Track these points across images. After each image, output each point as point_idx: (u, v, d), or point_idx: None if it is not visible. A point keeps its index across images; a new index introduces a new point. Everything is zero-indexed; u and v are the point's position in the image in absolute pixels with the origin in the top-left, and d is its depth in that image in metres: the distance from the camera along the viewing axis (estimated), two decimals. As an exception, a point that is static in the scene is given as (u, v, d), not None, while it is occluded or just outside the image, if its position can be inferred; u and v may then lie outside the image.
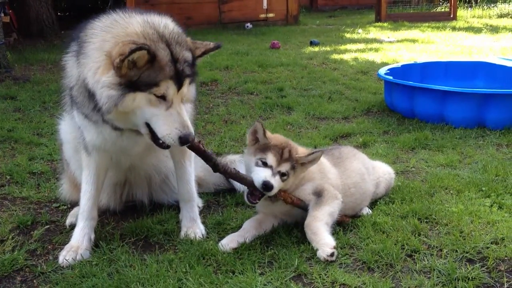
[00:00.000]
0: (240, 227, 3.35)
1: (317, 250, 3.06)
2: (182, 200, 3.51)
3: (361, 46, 11.85)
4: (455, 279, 2.80)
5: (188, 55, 2.78)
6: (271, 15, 16.98)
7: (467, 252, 3.07)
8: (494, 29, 15.02)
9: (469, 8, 19.60)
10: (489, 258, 3.00)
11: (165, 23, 2.82)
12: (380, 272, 2.94)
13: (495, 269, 2.92)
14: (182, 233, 3.38)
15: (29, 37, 12.68)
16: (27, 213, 3.74)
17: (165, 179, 3.79)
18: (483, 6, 19.73)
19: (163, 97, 2.71)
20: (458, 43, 12.36)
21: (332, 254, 3.00)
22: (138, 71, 2.63)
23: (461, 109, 5.54)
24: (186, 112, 2.86)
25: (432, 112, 5.72)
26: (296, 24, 16.96)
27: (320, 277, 2.87)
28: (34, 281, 2.94)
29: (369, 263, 3.00)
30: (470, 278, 2.81)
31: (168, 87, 2.69)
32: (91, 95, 2.77)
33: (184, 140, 2.75)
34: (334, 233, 3.30)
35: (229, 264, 2.98)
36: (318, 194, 3.29)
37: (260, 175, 3.11)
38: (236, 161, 4.16)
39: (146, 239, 3.39)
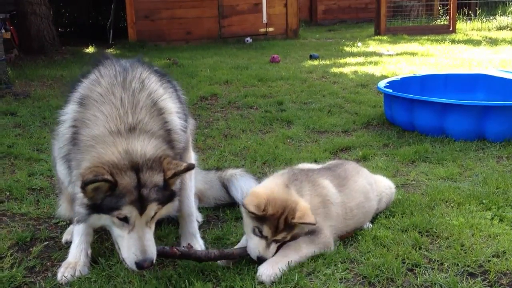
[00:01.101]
0: (239, 242, 3.33)
1: (261, 268, 2.99)
2: (182, 215, 3.50)
3: (361, 59, 11.89)
4: (457, 293, 2.78)
5: (159, 179, 2.79)
6: (270, 29, 17.07)
7: (468, 266, 3.05)
8: (494, 42, 15.06)
9: (468, 21, 19.67)
10: (490, 271, 2.98)
11: (144, 152, 2.79)
12: (381, 287, 2.91)
13: (497, 282, 2.90)
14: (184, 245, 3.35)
15: (29, 53, 12.74)
16: (26, 230, 3.72)
17: None
18: (482, 19, 19.80)
19: (125, 220, 2.77)
20: (458, 56, 12.39)
21: (262, 282, 2.93)
22: (102, 195, 2.71)
23: (461, 121, 5.54)
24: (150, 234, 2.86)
25: (432, 124, 5.71)
26: (295, 38, 17.04)
27: (320, 292, 2.85)
28: (33, 298, 2.92)
29: (369, 277, 2.98)
30: (472, 292, 2.79)
31: (130, 211, 2.74)
32: None
33: (139, 266, 2.78)
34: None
35: (229, 280, 2.96)
36: (312, 232, 3.23)
37: (255, 248, 3.08)
38: (237, 175, 4.16)
39: (145, 255, 3.36)
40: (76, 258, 3.20)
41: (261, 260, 3.05)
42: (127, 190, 2.69)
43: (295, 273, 2.98)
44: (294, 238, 3.21)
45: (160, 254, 2.93)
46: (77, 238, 3.27)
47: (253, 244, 3.09)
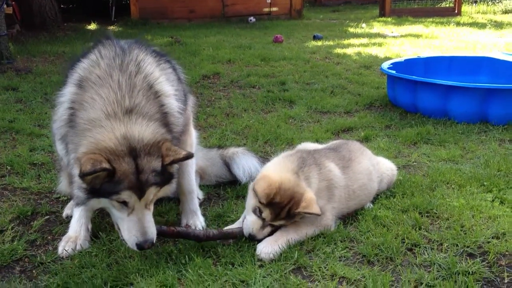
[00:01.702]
0: (239, 219, 3.34)
1: (260, 246, 3.01)
2: (182, 192, 3.51)
3: (365, 40, 11.82)
4: (456, 273, 2.79)
5: (157, 165, 2.79)
6: (274, 9, 16.96)
7: (467, 247, 3.06)
8: (499, 25, 14.95)
9: (474, 4, 19.52)
10: (490, 252, 2.99)
11: (142, 137, 2.78)
12: (380, 266, 2.92)
13: (496, 263, 2.90)
14: (182, 225, 3.37)
15: (31, 29, 12.67)
16: (27, 204, 3.73)
17: None
18: (487, 2, 19.65)
19: (125, 203, 2.78)
20: (462, 39, 12.31)
21: (261, 260, 2.94)
22: (100, 181, 2.71)
23: (464, 104, 5.52)
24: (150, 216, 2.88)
25: (435, 106, 5.69)
26: (299, 18, 16.93)
27: (319, 270, 2.86)
28: (33, 271, 2.94)
29: (369, 256, 2.99)
30: (471, 273, 2.80)
31: (129, 196, 2.75)
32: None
33: (140, 247, 2.81)
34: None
35: (229, 256, 2.98)
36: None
37: (250, 226, 3.11)
38: (239, 153, 4.16)
39: (146, 231, 3.37)
40: (76, 232, 3.21)
41: (252, 238, 3.08)
42: (125, 175, 2.70)
43: (295, 251, 3.00)
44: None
45: (159, 233, 2.94)
46: (77, 212, 3.28)
47: (250, 222, 3.11)
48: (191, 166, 3.53)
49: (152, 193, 2.81)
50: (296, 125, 5.71)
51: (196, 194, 3.58)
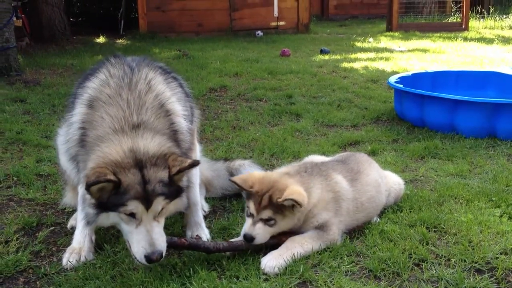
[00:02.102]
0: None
1: (265, 260, 2.99)
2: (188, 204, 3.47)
3: (372, 55, 11.82)
4: (463, 289, 2.75)
5: (163, 175, 2.81)
6: (282, 23, 17.02)
7: (475, 262, 3.02)
8: (506, 40, 14.93)
9: (481, 19, 19.51)
10: (498, 268, 2.95)
11: (147, 150, 2.82)
12: (386, 281, 2.89)
13: (504, 279, 2.87)
14: (187, 237, 3.35)
15: (40, 41, 12.78)
16: (33, 215, 3.73)
17: None
18: (495, 17, 19.64)
19: (133, 215, 2.79)
20: (470, 54, 12.29)
21: (266, 273, 2.91)
22: (107, 194, 2.74)
23: (472, 118, 5.48)
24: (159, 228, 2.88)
25: (442, 121, 5.66)
26: (306, 33, 16.97)
27: (325, 284, 2.83)
28: (37, 282, 2.93)
29: (375, 271, 2.96)
30: (479, 289, 2.76)
31: (136, 206, 2.75)
32: None
33: (148, 259, 2.79)
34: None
35: (234, 270, 2.95)
36: (321, 228, 3.22)
37: (244, 227, 3.14)
38: (246, 165, 4.15)
39: (151, 243, 3.36)
40: (80, 244, 3.20)
41: (247, 238, 3.07)
42: (131, 186, 2.71)
43: (300, 265, 2.97)
44: (307, 220, 3.21)
45: (168, 245, 2.91)
46: (81, 223, 3.27)
47: (244, 225, 3.14)
48: (195, 177, 3.51)
49: (160, 204, 2.80)
50: (302, 138, 5.69)
51: (200, 206, 3.57)
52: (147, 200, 2.75)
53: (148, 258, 2.75)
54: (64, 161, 3.50)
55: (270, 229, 3.12)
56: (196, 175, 3.52)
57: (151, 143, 2.84)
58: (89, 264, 3.05)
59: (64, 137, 3.32)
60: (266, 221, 3.09)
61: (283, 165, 3.78)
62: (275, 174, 3.27)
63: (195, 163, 2.89)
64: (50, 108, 6.76)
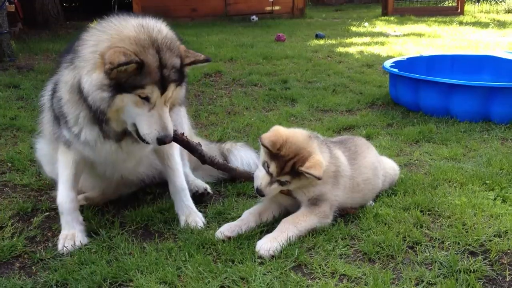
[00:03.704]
0: (240, 217, 3.32)
1: (260, 243, 3.00)
2: (175, 190, 3.47)
3: (367, 39, 11.79)
4: (457, 271, 2.77)
5: (176, 62, 2.89)
6: (277, 8, 16.93)
7: (469, 245, 3.04)
8: (502, 24, 14.91)
9: (477, 3, 19.48)
10: (491, 251, 2.97)
11: (159, 28, 2.92)
12: (381, 263, 2.91)
13: (498, 262, 2.88)
14: (182, 222, 3.35)
15: (34, 27, 12.67)
16: (27, 200, 3.73)
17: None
18: (490, 1, 19.61)
19: (147, 99, 2.83)
20: (465, 38, 12.28)
21: (261, 257, 2.93)
22: (127, 75, 2.75)
23: (466, 102, 5.48)
24: (172, 114, 3.01)
25: (437, 105, 5.66)
26: (302, 17, 16.91)
27: (320, 267, 2.85)
28: (33, 267, 2.93)
29: (370, 254, 2.98)
30: (472, 271, 2.78)
31: (152, 91, 2.81)
32: (84, 99, 2.86)
33: (161, 141, 2.89)
34: (334, 224, 3.28)
35: (229, 254, 2.96)
36: (315, 201, 3.24)
37: (258, 179, 3.16)
38: (238, 146, 4.19)
39: (146, 228, 3.37)
40: (71, 229, 3.19)
41: (259, 192, 3.14)
42: (152, 69, 2.77)
43: (295, 248, 2.98)
44: (296, 203, 3.26)
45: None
46: (65, 206, 3.23)
47: (259, 176, 3.16)
48: (179, 163, 3.52)
49: (172, 90, 2.88)
50: (297, 123, 5.69)
51: (187, 191, 3.52)
52: (163, 85, 2.82)
53: (161, 140, 2.86)
54: (48, 169, 3.50)
55: (282, 187, 3.18)
56: (179, 162, 3.52)
57: (160, 24, 2.93)
58: (84, 249, 3.05)
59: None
60: (282, 182, 3.14)
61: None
62: (301, 137, 3.19)
63: (208, 59, 3.05)
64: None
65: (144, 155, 3.42)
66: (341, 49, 10.34)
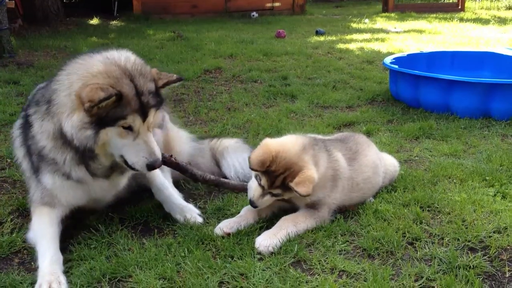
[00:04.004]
0: (239, 213, 3.32)
1: (259, 239, 2.99)
2: (157, 189, 3.45)
3: (367, 36, 11.77)
4: (456, 267, 2.77)
5: (152, 86, 2.92)
6: (277, 4, 16.91)
7: (469, 241, 3.04)
8: (502, 21, 14.89)
9: (477, 0, 19.41)
10: (491, 247, 2.96)
11: (126, 57, 2.92)
12: (380, 259, 2.91)
13: (497, 258, 2.88)
14: (181, 220, 3.33)
15: (34, 23, 12.64)
16: (27, 196, 3.71)
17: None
18: (491, -2, 19.56)
19: (130, 128, 2.84)
20: (466, 34, 12.26)
21: (260, 253, 2.93)
22: (107, 109, 2.75)
23: (467, 99, 5.48)
24: (153, 138, 2.99)
25: (437, 101, 5.66)
26: (302, 14, 16.88)
27: (319, 263, 2.85)
28: (32, 263, 2.92)
29: (369, 250, 2.97)
30: (472, 267, 2.78)
31: (134, 119, 2.82)
32: (68, 142, 2.85)
33: (150, 167, 2.92)
34: (334, 220, 3.28)
35: (228, 249, 2.96)
36: (313, 206, 3.24)
37: (250, 192, 3.17)
38: (230, 149, 4.06)
39: (146, 223, 3.37)
40: (53, 274, 2.71)
41: (252, 204, 3.15)
42: (130, 99, 2.78)
43: (295, 244, 2.98)
44: (294, 205, 3.27)
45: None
46: (44, 245, 2.90)
47: (252, 188, 3.17)
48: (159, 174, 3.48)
49: (153, 116, 2.91)
50: (297, 119, 5.68)
51: (169, 187, 3.51)
52: (143, 113, 2.83)
53: (150, 166, 2.89)
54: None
55: (275, 198, 3.19)
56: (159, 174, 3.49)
57: (124, 53, 2.93)
58: (83, 245, 3.05)
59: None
60: (274, 195, 3.15)
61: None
62: (292, 151, 3.13)
63: (181, 78, 3.09)
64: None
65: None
66: (341, 46, 10.33)
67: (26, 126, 3.10)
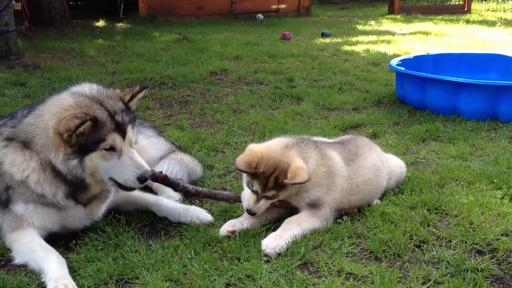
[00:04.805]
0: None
1: (265, 241, 2.99)
2: (155, 205, 3.46)
3: (373, 38, 11.75)
4: (464, 270, 2.76)
5: (121, 105, 3.06)
6: (282, 6, 16.89)
7: (476, 244, 3.03)
8: (509, 23, 14.84)
9: (484, 2, 19.36)
10: (499, 249, 2.95)
11: (89, 87, 3.08)
12: (387, 262, 2.90)
13: (505, 260, 2.87)
14: (189, 219, 3.33)
15: (40, 25, 12.68)
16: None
17: None
18: (497, 0, 19.48)
19: (112, 149, 2.93)
20: (472, 36, 12.22)
21: (266, 255, 2.93)
22: (85, 136, 2.86)
23: (473, 101, 5.46)
24: (137, 153, 3.07)
25: (444, 104, 5.64)
26: (307, 16, 16.87)
27: (326, 265, 2.84)
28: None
29: (376, 252, 2.97)
30: (479, 270, 2.77)
31: (114, 138, 2.92)
32: (60, 174, 2.94)
33: (142, 179, 2.98)
34: (341, 222, 3.27)
35: (235, 251, 2.96)
36: (314, 205, 3.25)
37: (245, 200, 3.20)
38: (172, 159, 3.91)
39: (152, 225, 3.37)
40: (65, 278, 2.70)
41: (250, 212, 3.17)
42: (104, 120, 2.89)
43: (301, 246, 2.98)
44: (293, 208, 3.28)
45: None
46: (41, 252, 2.90)
47: (245, 197, 3.20)
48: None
49: (131, 133, 3.02)
50: (303, 121, 5.68)
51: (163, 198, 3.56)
52: (121, 130, 2.94)
53: (141, 178, 2.95)
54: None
55: (271, 201, 3.20)
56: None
57: (85, 85, 3.08)
58: (90, 246, 3.05)
59: None
60: (269, 197, 3.16)
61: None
62: (276, 150, 3.19)
63: (144, 86, 3.22)
64: (50, 91, 6.72)
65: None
66: (347, 48, 10.31)
67: None
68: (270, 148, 3.21)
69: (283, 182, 3.07)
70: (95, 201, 3.19)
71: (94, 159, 2.91)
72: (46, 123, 2.92)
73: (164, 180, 3.30)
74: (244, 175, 3.20)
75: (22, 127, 3.03)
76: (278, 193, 3.15)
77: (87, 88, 3.05)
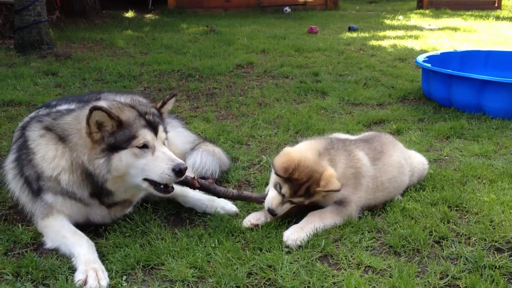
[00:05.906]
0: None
1: (287, 233, 3.07)
2: (181, 196, 3.54)
3: (401, 33, 11.68)
4: (482, 267, 2.80)
5: (153, 110, 3.18)
6: (310, -1, 16.86)
7: (496, 241, 3.06)
8: (540, 20, 14.55)
9: (515, -3, 19.02)
10: (518, 248, 2.98)
11: (125, 97, 3.32)
12: (406, 257, 2.95)
13: (524, 259, 2.90)
14: (220, 211, 3.43)
15: (71, 15, 12.93)
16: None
17: None
18: (530, -4, 19.12)
19: (145, 146, 2.99)
20: (501, 33, 12.04)
21: (288, 246, 3.00)
22: (112, 135, 2.96)
23: (500, 99, 5.44)
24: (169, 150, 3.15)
25: (470, 101, 5.62)
26: (335, 9, 16.81)
27: (346, 258, 2.91)
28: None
29: (396, 247, 3.02)
30: (497, 267, 2.81)
31: (145, 134, 2.99)
32: (88, 177, 3.04)
33: (178, 171, 2.99)
34: (361, 216, 3.33)
35: (257, 242, 3.05)
36: (340, 203, 3.30)
37: (269, 200, 3.24)
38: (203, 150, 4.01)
39: (178, 214, 3.48)
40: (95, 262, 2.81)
41: (271, 212, 3.22)
42: (134, 118, 3.00)
43: (322, 239, 3.05)
44: (317, 206, 3.32)
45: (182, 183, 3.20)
46: (71, 237, 3.03)
47: (270, 196, 3.24)
48: None
49: (163, 133, 3.10)
50: (327, 116, 5.72)
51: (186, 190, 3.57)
52: (153, 128, 3.03)
53: (177, 170, 2.97)
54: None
55: (294, 205, 3.26)
56: None
57: (121, 98, 3.34)
58: (118, 233, 3.17)
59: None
60: (293, 202, 3.23)
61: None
62: (311, 158, 3.22)
63: (175, 94, 3.37)
64: (80, 81, 6.91)
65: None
66: (374, 42, 10.28)
67: (23, 147, 3.23)
68: (307, 155, 3.23)
69: (315, 190, 3.14)
70: (118, 206, 3.27)
71: (124, 158, 2.97)
72: (81, 126, 3.03)
73: (196, 186, 3.30)
74: (275, 176, 3.24)
75: (61, 123, 3.16)
76: (305, 200, 3.22)
77: (123, 98, 3.30)
